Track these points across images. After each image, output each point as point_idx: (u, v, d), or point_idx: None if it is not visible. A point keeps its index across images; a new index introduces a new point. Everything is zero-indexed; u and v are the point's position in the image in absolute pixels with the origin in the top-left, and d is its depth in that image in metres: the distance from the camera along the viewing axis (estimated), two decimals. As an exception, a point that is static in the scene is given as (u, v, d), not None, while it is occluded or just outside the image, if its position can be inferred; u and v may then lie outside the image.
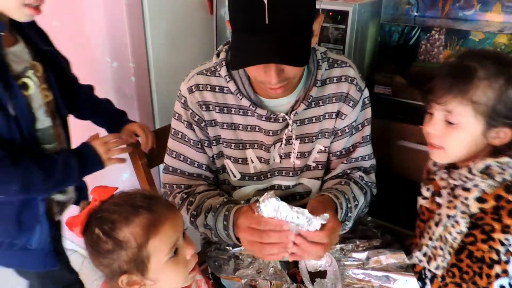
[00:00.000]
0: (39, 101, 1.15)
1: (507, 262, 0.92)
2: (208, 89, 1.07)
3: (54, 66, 1.23)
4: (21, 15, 1.05)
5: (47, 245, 1.24)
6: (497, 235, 0.90)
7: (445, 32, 1.58)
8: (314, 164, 1.17)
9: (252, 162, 1.14)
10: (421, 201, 1.06)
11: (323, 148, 1.15)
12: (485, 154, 0.93)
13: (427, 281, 1.04)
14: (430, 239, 0.98)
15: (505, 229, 0.89)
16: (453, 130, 0.92)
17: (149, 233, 0.75)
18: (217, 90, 1.08)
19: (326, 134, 1.13)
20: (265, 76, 0.92)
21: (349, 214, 1.06)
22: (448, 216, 0.94)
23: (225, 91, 1.07)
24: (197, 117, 1.09)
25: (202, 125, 1.10)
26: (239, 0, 0.87)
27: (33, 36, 1.14)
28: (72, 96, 1.33)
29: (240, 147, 1.12)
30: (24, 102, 1.09)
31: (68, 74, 1.34)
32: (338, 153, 1.17)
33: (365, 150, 1.17)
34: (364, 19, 1.58)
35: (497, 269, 0.92)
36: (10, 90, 1.04)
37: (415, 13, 1.73)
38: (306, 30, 0.92)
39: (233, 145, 1.12)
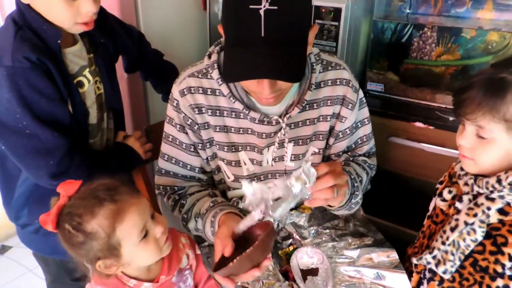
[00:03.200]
0: (92, 98, 1.20)
1: (511, 278, 0.90)
2: (200, 91, 1.07)
3: (108, 56, 1.28)
4: (74, 30, 1.12)
5: None
6: (508, 249, 0.88)
7: (437, 30, 1.59)
8: None
9: (245, 164, 1.14)
10: (438, 203, 1.02)
11: (317, 150, 1.15)
12: None
13: (424, 282, 1.03)
14: (443, 243, 0.95)
15: None
16: (485, 144, 0.89)
17: (115, 222, 0.80)
18: (209, 92, 1.07)
19: (321, 136, 1.14)
20: (257, 87, 0.92)
21: (356, 185, 1.05)
22: (466, 223, 0.91)
23: (217, 93, 1.07)
24: (190, 120, 1.09)
25: (195, 128, 1.09)
26: (234, 11, 0.86)
27: (91, 30, 1.16)
28: (138, 62, 1.48)
29: (233, 150, 1.12)
30: (80, 99, 1.15)
31: (132, 47, 1.41)
32: (341, 153, 1.18)
33: (369, 145, 1.21)
34: (357, 16, 1.58)
35: (499, 282, 0.91)
36: (69, 89, 1.10)
37: (408, 10, 1.73)
38: (302, 42, 0.91)
39: (226, 147, 1.12)
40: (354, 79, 1.12)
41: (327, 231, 1.14)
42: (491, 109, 0.85)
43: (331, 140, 1.16)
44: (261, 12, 0.82)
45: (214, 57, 1.06)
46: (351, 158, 1.19)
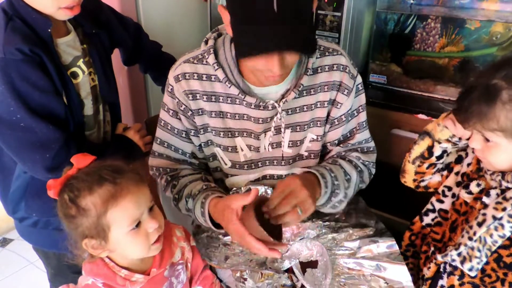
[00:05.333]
0: (87, 89, 1.19)
1: None
2: (195, 77, 1.06)
3: (103, 47, 1.26)
4: (60, 16, 1.09)
5: None
6: None
7: (441, 21, 1.57)
8: (306, 153, 1.16)
9: (242, 150, 1.13)
10: (463, 195, 0.99)
11: (315, 137, 1.14)
12: None
13: (444, 276, 1.02)
14: (470, 238, 0.91)
15: None
16: (491, 148, 0.88)
17: (108, 204, 0.80)
18: (204, 78, 1.06)
19: (318, 122, 1.13)
20: (266, 65, 0.92)
21: (336, 184, 1.05)
22: (494, 218, 0.88)
23: (212, 79, 1.06)
24: (184, 106, 1.08)
25: (189, 114, 1.09)
26: None
27: (83, 20, 1.16)
28: (135, 54, 1.45)
29: (229, 135, 1.12)
30: (74, 90, 1.14)
31: (128, 40, 1.39)
32: (336, 141, 1.16)
33: (363, 135, 1.18)
34: (360, 7, 1.56)
35: None
36: (63, 80, 1.09)
37: (411, 1, 1.71)
38: (311, 14, 0.92)
39: (221, 133, 1.11)
40: (351, 66, 1.11)
41: (327, 223, 1.13)
42: (480, 119, 0.84)
43: (327, 127, 1.14)
44: None
45: (210, 42, 1.06)
46: (342, 153, 1.17)
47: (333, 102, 1.11)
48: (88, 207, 0.80)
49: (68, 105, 1.11)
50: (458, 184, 1.03)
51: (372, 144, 1.20)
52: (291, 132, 1.11)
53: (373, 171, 1.20)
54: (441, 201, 1.07)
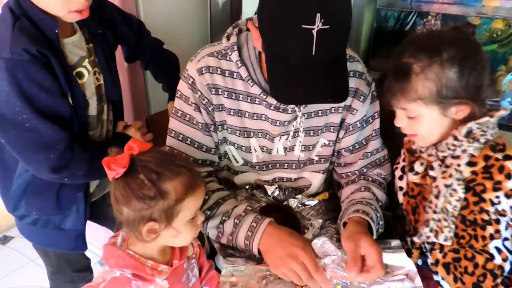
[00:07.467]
0: (92, 89, 1.19)
1: (498, 222, 0.95)
2: (219, 72, 1.04)
3: (108, 46, 1.27)
4: (69, 19, 1.09)
5: (80, 226, 1.28)
6: (488, 195, 0.93)
7: (441, 18, 1.57)
8: (317, 158, 1.16)
9: (255, 151, 1.12)
10: (411, 178, 1.06)
11: (327, 142, 1.14)
12: (460, 123, 0.96)
13: (428, 254, 1.06)
14: (434, 212, 0.98)
15: (496, 186, 0.92)
16: (416, 121, 0.96)
17: (188, 192, 0.83)
18: (226, 74, 1.05)
19: (332, 128, 1.13)
20: None
21: (378, 216, 1.07)
22: (446, 186, 0.95)
23: (234, 76, 1.05)
24: (206, 100, 1.05)
25: (210, 108, 1.06)
26: (284, 28, 0.84)
27: (89, 20, 1.15)
28: (138, 51, 1.44)
29: (245, 135, 1.11)
30: (80, 91, 1.13)
31: (132, 36, 1.38)
32: (351, 147, 1.16)
33: (376, 143, 1.17)
34: (360, 3, 1.56)
35: (490, 229, 0.96)
36: (69, 81, 1.09)
37: (412, -2, 1.71)
38: (345, 55, 0.92)
39: (238, 132, 1.10)
40: (367, 72, 1.11)
41: (334, 226, 1.12)
42: (402, 93, 0.93)
43: (341, 133, 1.14)
44: (314, 32, 0.82)
45: (233, 39, 1.04)
46: (365, 170, 1.17)
47: (348, 108, 1.11)
48: (168, 190, 0.81)
49: (73, 105, 1.11)
50: (400, 178, 1.12)
51: (385, 151, 1.20)
52: (304, 136, 1.11)
53: (390, 178, 1.20)
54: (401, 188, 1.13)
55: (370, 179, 1.16)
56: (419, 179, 1.05)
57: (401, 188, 1.11)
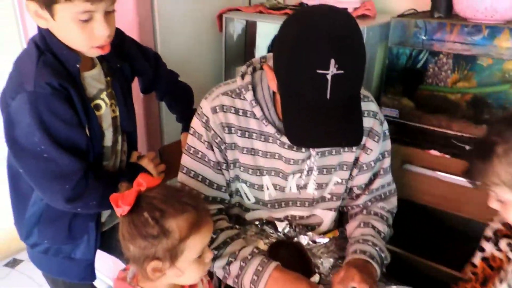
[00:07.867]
0: (108, 120, 1.21)
1: None
2: (232, 111, 1.06)
3: (125, 79, 1.30)
4: (91, 54, 1.12)
5: (90, 256, 1.29)
6: None
7: (452, 57, 1.58)
8: (329, 196, 1.17)
9: (268, 189, 1.13)
10: (494, 252, 0.96)
11: (340, 180, 1.15)
12: None
13: None
14: None
15: None
16: (506, 206, 0.86)
17: (192, 230, 0.82)
18: (240, 113, 1.06)
19: (345, 166, 1.13)
20: None
21: (378, 249, 1.06)
22: None
23: (248, 115, 1.06)
24: (219, 138, 1.07)
25: (222, 147, 1.08)
26: (299, 73, 0.86)
27: (108, 55, 1.18)
28: (154, 83, 1.47)
29: (258, 174, 1.11)
30: (97, 122, 1.16)
31: (149, 70, 1.42)
32: (363, 185, 1.17)
33: (384, 180, 1.18)
34: (372, 41, 1.59)
35: None
36: (87, 113, 1.12)
37: (423, 37, 1.73)
38: (359, 98, 0.93)
39: (250, 170, 1.10)
40: (380, 112, 1.13)
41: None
42: (481, 177, 0.83)
43: (355, 171, 1.15)
44: (328, 76, 0.83)
45: (248, 78, 1.06)
46: (368, 203, 1.18)
47: (363, 147, 1.12)
48: (172, 229, 0.81)
49: (90, 136, 1.13)
50: (488, 239, 1.00)
51: (392, 186, 1.20)
52: (317, 174, 1.12)
53: (395, 211, 1.21)
54: (483, 249, 1.02)
55: (372, 212, 1.16)
56: (502, 256, 0.95)
57: (482, 249, 1.01)
